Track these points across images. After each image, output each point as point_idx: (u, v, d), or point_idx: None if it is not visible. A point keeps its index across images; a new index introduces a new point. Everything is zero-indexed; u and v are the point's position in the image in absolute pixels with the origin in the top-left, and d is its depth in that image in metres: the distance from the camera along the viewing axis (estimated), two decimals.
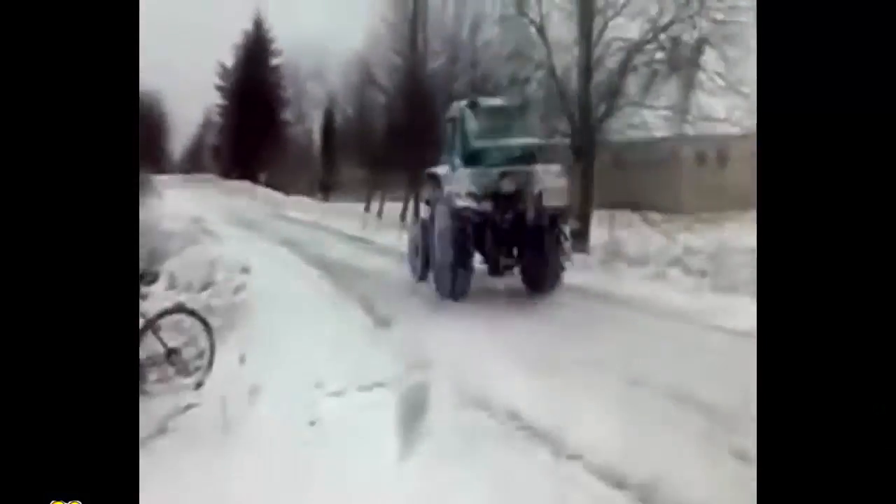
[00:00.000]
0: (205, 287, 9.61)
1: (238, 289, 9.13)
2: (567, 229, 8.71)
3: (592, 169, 13.41)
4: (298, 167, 37.56)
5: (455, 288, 8.22)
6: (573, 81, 13.95)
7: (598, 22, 13.47)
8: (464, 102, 9.29)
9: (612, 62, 13.53)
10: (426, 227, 9.47)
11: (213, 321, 5.62)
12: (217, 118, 51.32)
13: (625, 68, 13.26)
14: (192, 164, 55.46)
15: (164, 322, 5.00)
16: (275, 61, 47.91)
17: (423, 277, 9.51)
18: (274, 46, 48.05)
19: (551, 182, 8.37)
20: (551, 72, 13.99)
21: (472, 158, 8.65)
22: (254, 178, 42.14)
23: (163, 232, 17.27)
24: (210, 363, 5.09)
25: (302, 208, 25.90)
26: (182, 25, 53.07)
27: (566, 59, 14.11)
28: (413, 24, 20.22)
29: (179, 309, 5.39)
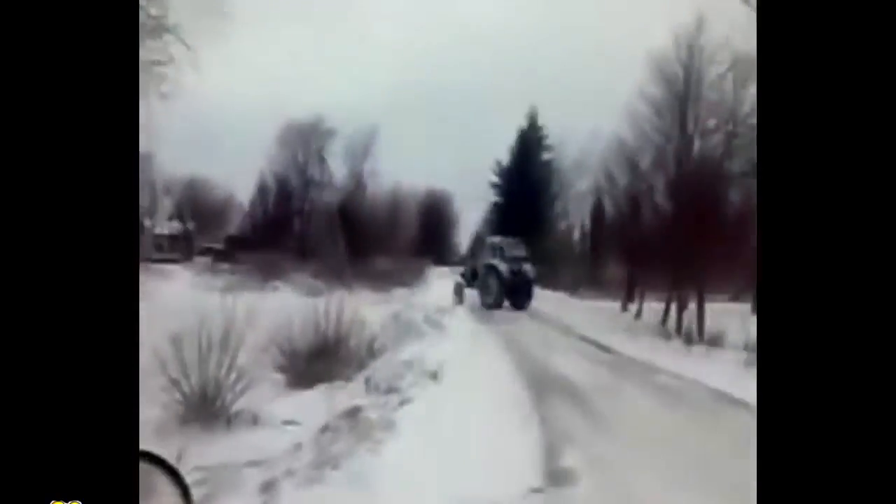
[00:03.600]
0: (389, 391, 8.15)
1: (405, 401, 7.18)
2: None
3: None
4: (561, 262, 35.89)
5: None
6: None
7: None
8: (496, 238, 24.99)
9: None
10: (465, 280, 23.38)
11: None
12: (490, 215, 52.82)
13: None
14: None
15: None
16: (546, 156, 48.18)
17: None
18: (546, 142, 48.52)
19: (530, 269, 22.06)
20: None
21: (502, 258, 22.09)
22: None
23: (402, 321, 16.54)
24: None
25: (552, 304, 23.79)
26: (465, 128, 56.54)
27: None
28: (683, 101, 17.45)
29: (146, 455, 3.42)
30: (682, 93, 17.80)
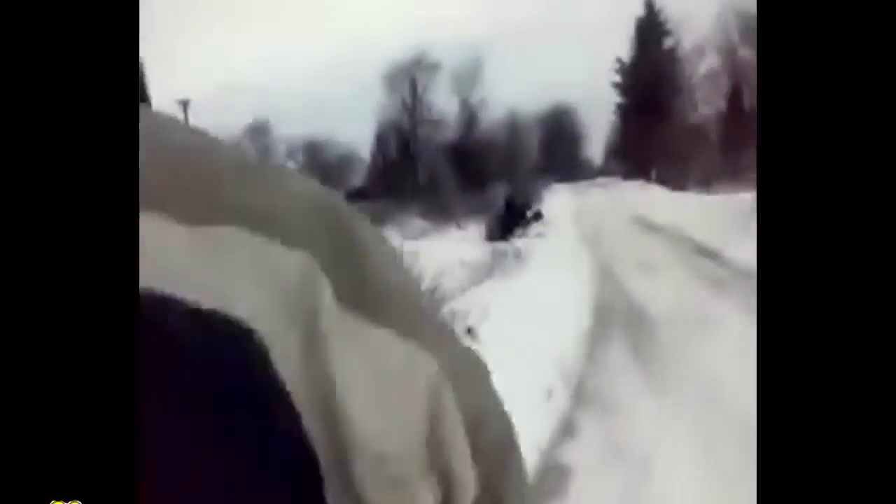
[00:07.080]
0: None
1: None
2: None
3: None
4: (691, 159, 32.46)
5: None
6: None
7: None
8: None
9: None
10: None
11: None
12: (616, 118, 49.45)
13: None
14: (604, 169, 54.49)
15: None
16: (668, 43, 43.53)
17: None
18: (667, 27, 43.75)
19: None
20: None
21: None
22: (647, 175, 38.69)
23: (496, 256, 15.33)
24: None
25: (674, 208, 21.32)
26: (579, 31, 52.63)
27: None
28: None
29: None
30: None
